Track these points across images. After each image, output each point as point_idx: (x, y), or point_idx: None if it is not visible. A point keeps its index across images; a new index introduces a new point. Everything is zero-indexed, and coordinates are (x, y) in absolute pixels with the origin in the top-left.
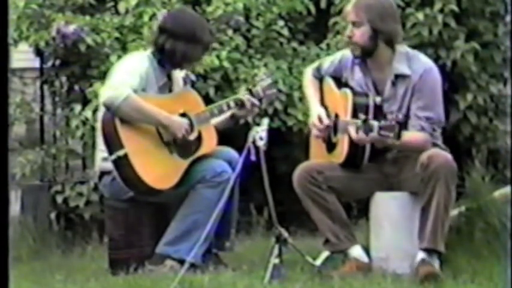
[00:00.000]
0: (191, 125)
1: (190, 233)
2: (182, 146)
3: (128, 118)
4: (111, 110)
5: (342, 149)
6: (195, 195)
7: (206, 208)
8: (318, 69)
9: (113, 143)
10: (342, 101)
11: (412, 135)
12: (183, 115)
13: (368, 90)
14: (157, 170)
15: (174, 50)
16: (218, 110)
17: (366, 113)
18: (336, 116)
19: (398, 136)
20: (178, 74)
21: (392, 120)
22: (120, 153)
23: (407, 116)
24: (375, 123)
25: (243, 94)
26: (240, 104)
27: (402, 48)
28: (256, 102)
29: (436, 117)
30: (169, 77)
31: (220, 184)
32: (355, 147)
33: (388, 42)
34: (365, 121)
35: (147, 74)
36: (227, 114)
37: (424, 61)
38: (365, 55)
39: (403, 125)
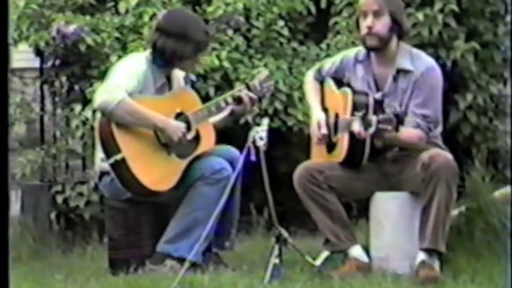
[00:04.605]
0: (188, 124)
1: (190, 231)
2: (180, 146)
3: (123, 122)
4: (106, 114)
5: (342, 147)
6: (195, 193)
7: (206, 206)
8: (319, 71)
9: (110, 147)
10: (341, 100)
11: (406, 131)
12: (181, 114)
13: (369, 87)
14: (156, 172)
15: (164, 47)
16: (216, 107)
17: (366, 110)
18: (336, 115)
19: (396, 128)
20: (179, 74)
21: (390, 113)
22: (118, 157)
23: (405, 113)
24: (373, 118)
25: (240, 89)
26: (238, 100)
27: (405, 45)
28: (254, 96)
29: (433, 116)
30: (169, 78)
31: (219, 181)
32: (355, 145)
33: (400, 36)
34: (364, 116)
35: (144, 76)
36: (226, 111)
37: (427, 59)
38: (379, 47)
39: (401, 119)
